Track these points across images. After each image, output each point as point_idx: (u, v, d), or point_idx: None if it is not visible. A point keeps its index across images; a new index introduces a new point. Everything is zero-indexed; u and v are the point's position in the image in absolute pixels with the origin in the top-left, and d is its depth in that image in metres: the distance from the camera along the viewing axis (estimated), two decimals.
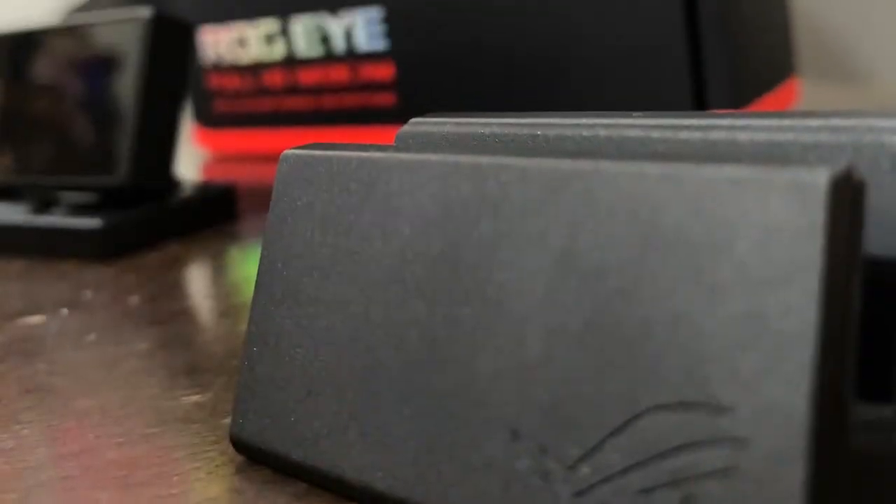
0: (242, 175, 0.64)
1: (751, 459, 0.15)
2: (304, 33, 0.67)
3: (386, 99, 0.64)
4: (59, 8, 1.14)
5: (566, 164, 0.18)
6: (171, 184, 0.49)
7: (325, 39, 0.66)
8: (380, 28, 0.63)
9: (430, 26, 0.60)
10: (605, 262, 0.17)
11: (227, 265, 0.44)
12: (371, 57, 0.64)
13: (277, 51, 0.69)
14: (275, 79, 0.70)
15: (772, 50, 0.60)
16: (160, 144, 0.48)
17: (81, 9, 1.09)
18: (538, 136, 0.23)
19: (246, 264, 0.43)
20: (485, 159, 0.20)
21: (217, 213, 0.51)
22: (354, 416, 0.21)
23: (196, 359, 0.31)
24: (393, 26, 0.62)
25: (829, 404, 0.15)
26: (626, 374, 0.17)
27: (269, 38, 0.69)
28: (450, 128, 0.25)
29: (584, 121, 0.22)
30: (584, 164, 0.18)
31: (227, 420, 0.27)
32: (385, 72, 0.63)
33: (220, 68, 0.73)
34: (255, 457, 0.23)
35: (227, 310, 0.36)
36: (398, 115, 0.64)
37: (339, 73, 0.66)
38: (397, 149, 0.22)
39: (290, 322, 0.23)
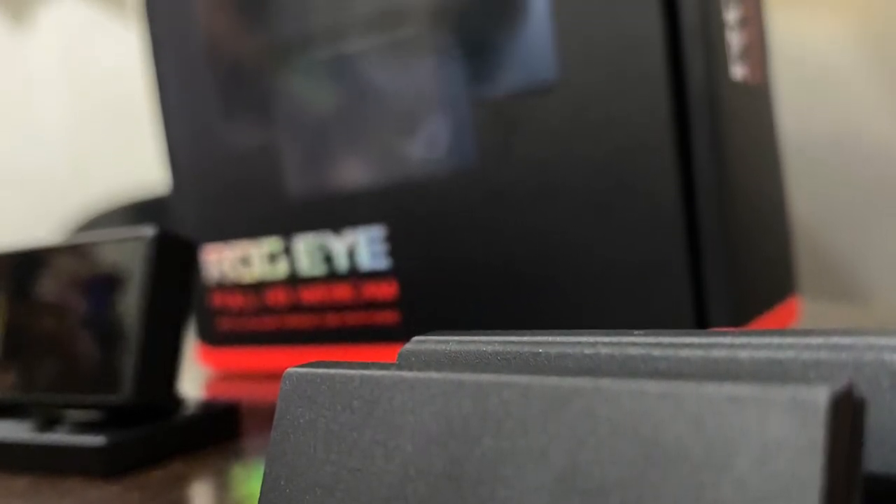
0: (246, 393, 0.64)
1: None
2: (306, 252, 0.68)
3: (389, 317, 0.64)
4: (63, 227, 1.16)
5: (567, 382, 0.18)
6: (175, 402, 0.49)
7: (328, 258, 0.67)
8: (382, 247, 0.64)
9: (432, 245, 0.61)
10: (607, 478, 0.17)
11: (229, 483, 0.44)
12: (374, 275, 0.65)
13: (280, 269, 0.70)
14: (278, 297, 0.70)
15: (772, 268, 0.60)
16: (164, 363, 0.48)
17: (85, 227, 1.10)
18: (540, 353, 0.23)
19: (249, 482, 0.42)
20: (487, 377, 0.20)
21: (220, 430, 0.50)
22: None
23: None
24: (395, 245, 0.63)
25: None
26: None
27: (273, 257, 0.70)
28: (452, 346, 0.25)
29: (585, 339, 0.23)
30: (586, 382, 0.18)
31: None
32: (388, 290, 0.64)
33: (224, 287, 0.73)
34: None
35: None
36: (401, 334, 0.64)
37: (342, 292, 0.67)
38: (400, 367, 0.22)
39: None
